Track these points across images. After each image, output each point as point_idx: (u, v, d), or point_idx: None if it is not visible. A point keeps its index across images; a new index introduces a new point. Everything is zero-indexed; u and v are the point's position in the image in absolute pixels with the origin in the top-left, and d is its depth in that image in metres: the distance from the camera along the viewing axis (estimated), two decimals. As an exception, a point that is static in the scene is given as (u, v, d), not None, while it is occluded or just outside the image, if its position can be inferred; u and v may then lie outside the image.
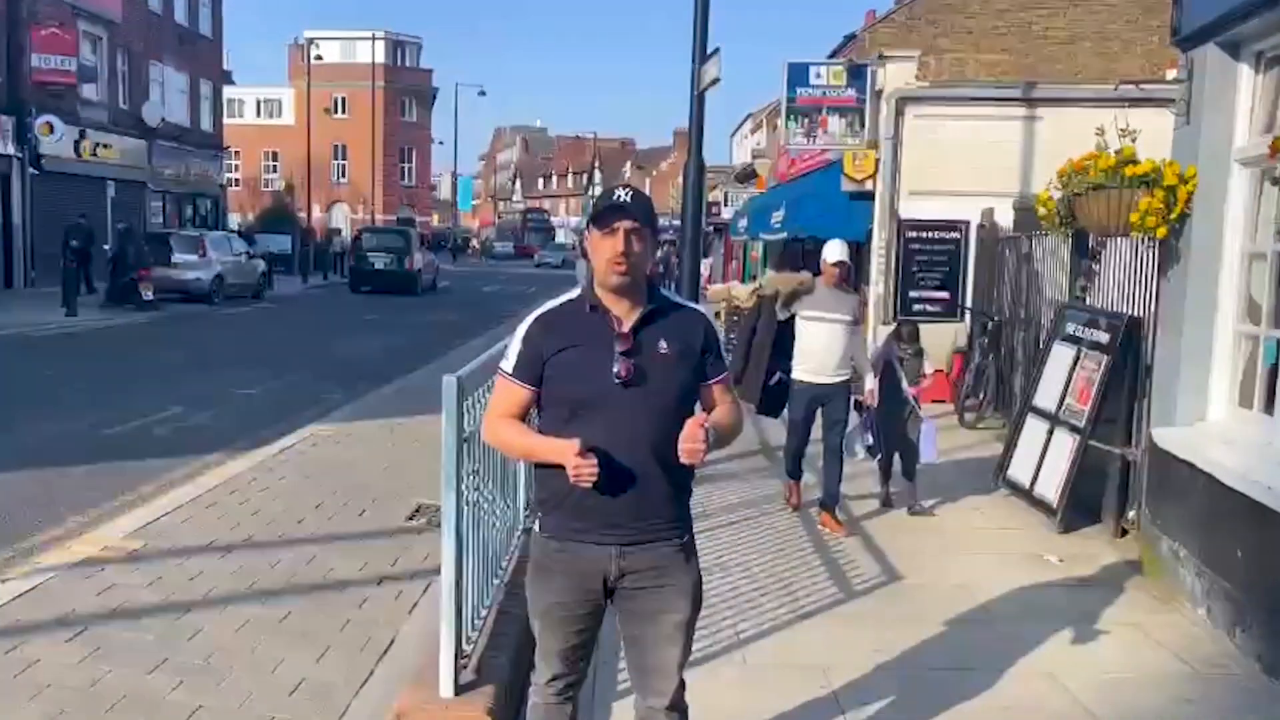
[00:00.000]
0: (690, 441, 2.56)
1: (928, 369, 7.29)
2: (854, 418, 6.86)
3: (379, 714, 3.76)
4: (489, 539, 4.21)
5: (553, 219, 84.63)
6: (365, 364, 14.24)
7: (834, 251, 6.59)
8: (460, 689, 3.59)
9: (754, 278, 24.63)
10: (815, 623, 4.92)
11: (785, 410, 6.90)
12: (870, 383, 6.70)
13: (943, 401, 10.60)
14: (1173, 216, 5.43)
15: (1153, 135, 5.97)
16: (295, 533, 6.11)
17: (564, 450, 2.55)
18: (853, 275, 6.63)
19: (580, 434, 2.60)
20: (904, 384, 6.93)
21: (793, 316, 6.63)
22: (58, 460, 7.94)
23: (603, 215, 2.66)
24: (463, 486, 3.58)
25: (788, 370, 6.72)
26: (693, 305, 2.91)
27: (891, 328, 8.28)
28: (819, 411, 6.64)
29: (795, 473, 6.94)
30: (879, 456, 7.01)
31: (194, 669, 4.21)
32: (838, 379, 6.56)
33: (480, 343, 13.67)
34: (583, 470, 2.53)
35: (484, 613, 4.12)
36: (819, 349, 6.48)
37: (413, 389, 11.55)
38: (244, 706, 3.92)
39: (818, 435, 6.74)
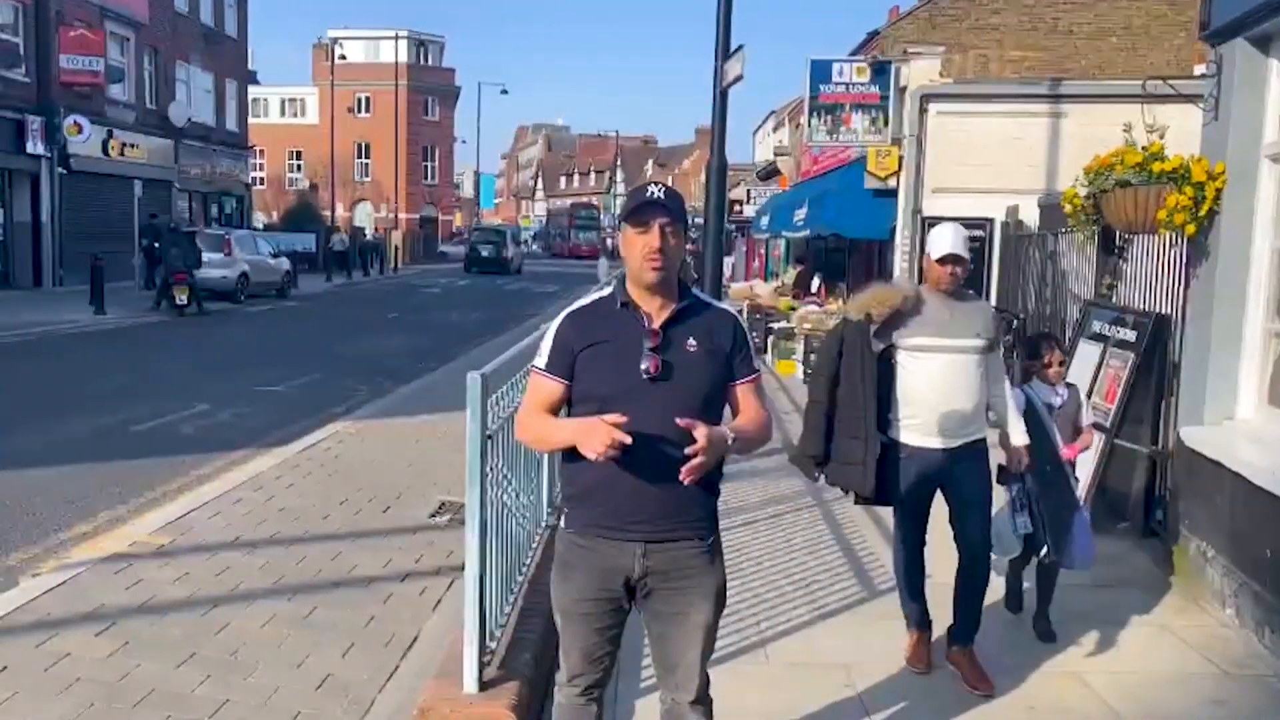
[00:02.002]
0: (692, 459, 2.52)
1: (1086, 417, 4.93)
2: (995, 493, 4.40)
3: (404, 709, 3.78)
4: (513, 535, 4.22)
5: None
6: (389, 362, 14.31)
7: (944, 240, 4.16)
8: (484, 685, 3.61)
9: (775, 275, 24.60)
10: (839, 621, 4.91)
11: None
12: (1019, 435, 4.38)
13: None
14: (1201, 213, 5.38)
15: (1180, 131, 5.91)
16: (320, 529, 6.16)
17: (593, 424, 2.52)
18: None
19: None
20: (1058, 440, 4.63)
21: (890, 349, 4.24)
22: (86, 457, 8.03)
23: (636, 211, 2.67)
24: (487, 483, 3.60)
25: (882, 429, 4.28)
26: (723, 305, 2.91)
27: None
28: (939, 493, 4.32)
29: (920, 614, 4.47)
30: (1046, 552, 4.55)
31: (221, 663, 4.25)
32: (967, 438, 4.20)
33: (502, 341, 13.72)
34: (610, 443, 2.47)
35: (508, 609, 4.14)
36: (935, 393, 4.15)
37: (436, 386, 11.62)
38: (270, 701, 3.95)
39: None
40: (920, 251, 12.10)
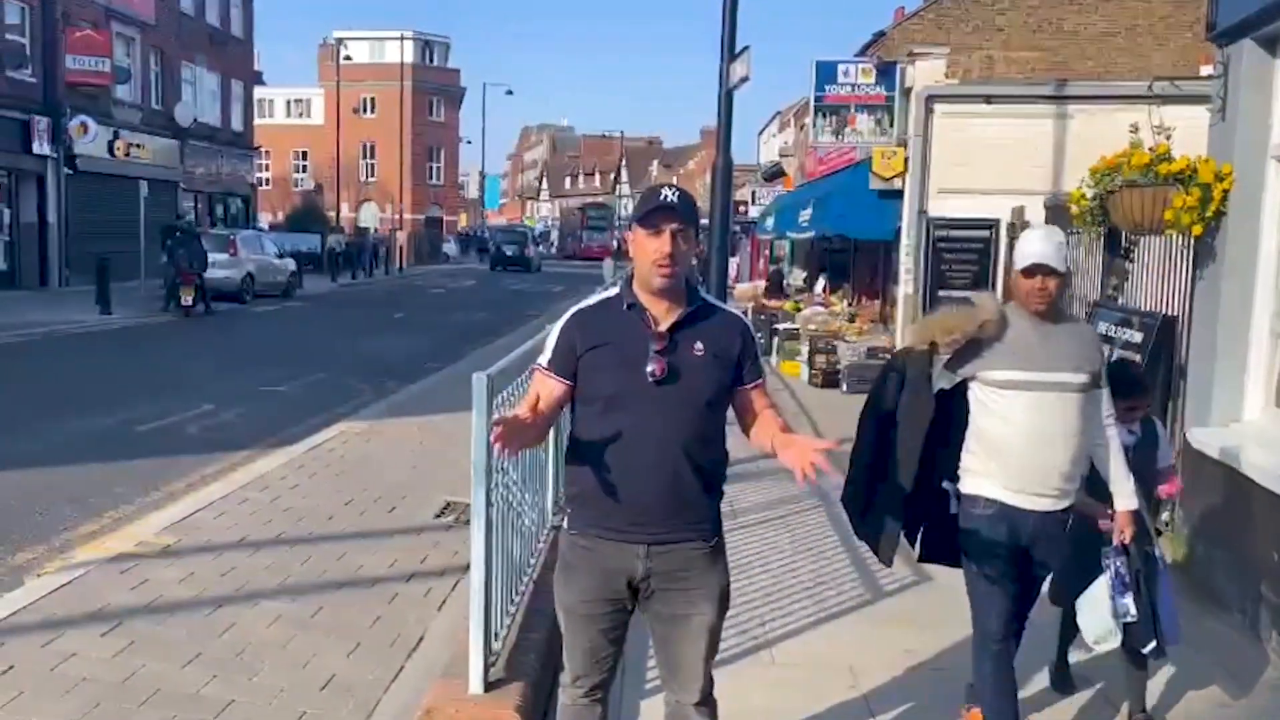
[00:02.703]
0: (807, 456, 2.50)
1: (1165, 456, 4.13)
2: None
3: (409, 710, 3.78)
4: (518, 536, 4.22)
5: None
6: (394, 362, 14.32)
7: (1031, 247, 3.36)
8: (489, 686, 3.61)
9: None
10: (844, 623, 4.91)
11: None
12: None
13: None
14: (1208, 214, 5.37)
15: (1187, 132, 5.91)
16: (325, 529, 6.16)
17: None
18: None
19: (612, 429, 2.63)
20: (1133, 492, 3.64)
21: (962, 384, 3.48)
22: (91, 456, 8.04)
23: (649, 215, 2.65)
24: (492, 484, 3.60)
25: (954, 477, 3.55)
26: (731, 309, 2.90)
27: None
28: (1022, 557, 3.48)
29: (998, 694, 3.56)
30: (1153, 647, 3.76)
31: (226, 664, 4.25)
32: (1061, 501, 3.42)
33: (506, 341, 13.72)
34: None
35: (513, 610, 4.14)
36: (1020, 439, 3.35)
37: (441, 387, 11.62)
38: (275, 702, 3.95)
39: None
40: (927, 251, 12.15)
